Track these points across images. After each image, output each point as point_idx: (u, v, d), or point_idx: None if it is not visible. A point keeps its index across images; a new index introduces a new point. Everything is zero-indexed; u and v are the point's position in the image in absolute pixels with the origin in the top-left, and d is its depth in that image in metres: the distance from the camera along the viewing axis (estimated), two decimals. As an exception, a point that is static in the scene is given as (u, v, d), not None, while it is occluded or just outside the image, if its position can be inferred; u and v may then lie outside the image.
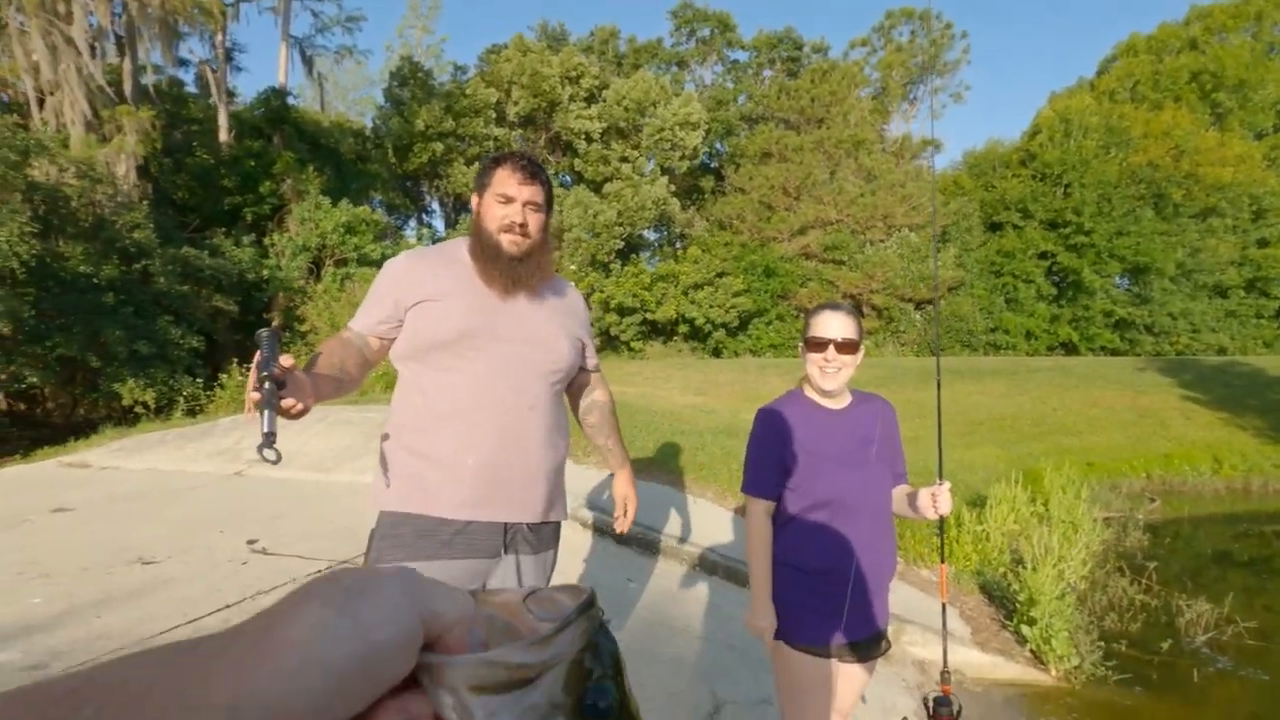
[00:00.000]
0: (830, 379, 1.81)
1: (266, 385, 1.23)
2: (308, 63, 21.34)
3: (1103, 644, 3.83)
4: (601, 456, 2.04)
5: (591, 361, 1.93)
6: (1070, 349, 24.73)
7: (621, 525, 1.98)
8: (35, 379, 10.57)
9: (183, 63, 17.54)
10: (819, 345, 1.81)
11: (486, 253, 1.65)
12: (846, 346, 1.80)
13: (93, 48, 13.25)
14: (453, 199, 25.25)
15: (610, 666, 0.35)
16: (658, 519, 4.70)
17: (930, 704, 1.88)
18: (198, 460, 6.32)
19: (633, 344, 22.30)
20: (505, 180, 1.65)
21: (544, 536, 1.71)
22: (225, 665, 0.26)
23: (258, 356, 1.26)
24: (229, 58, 18.06)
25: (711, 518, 4.95)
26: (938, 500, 1.74)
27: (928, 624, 3.56)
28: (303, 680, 0.27)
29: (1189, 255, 24.28)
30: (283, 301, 15.09)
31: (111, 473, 6.12)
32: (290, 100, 19.49)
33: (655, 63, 30.37)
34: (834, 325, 1.80)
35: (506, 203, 1.65)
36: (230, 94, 17.99)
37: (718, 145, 28.94)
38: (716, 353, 22.88)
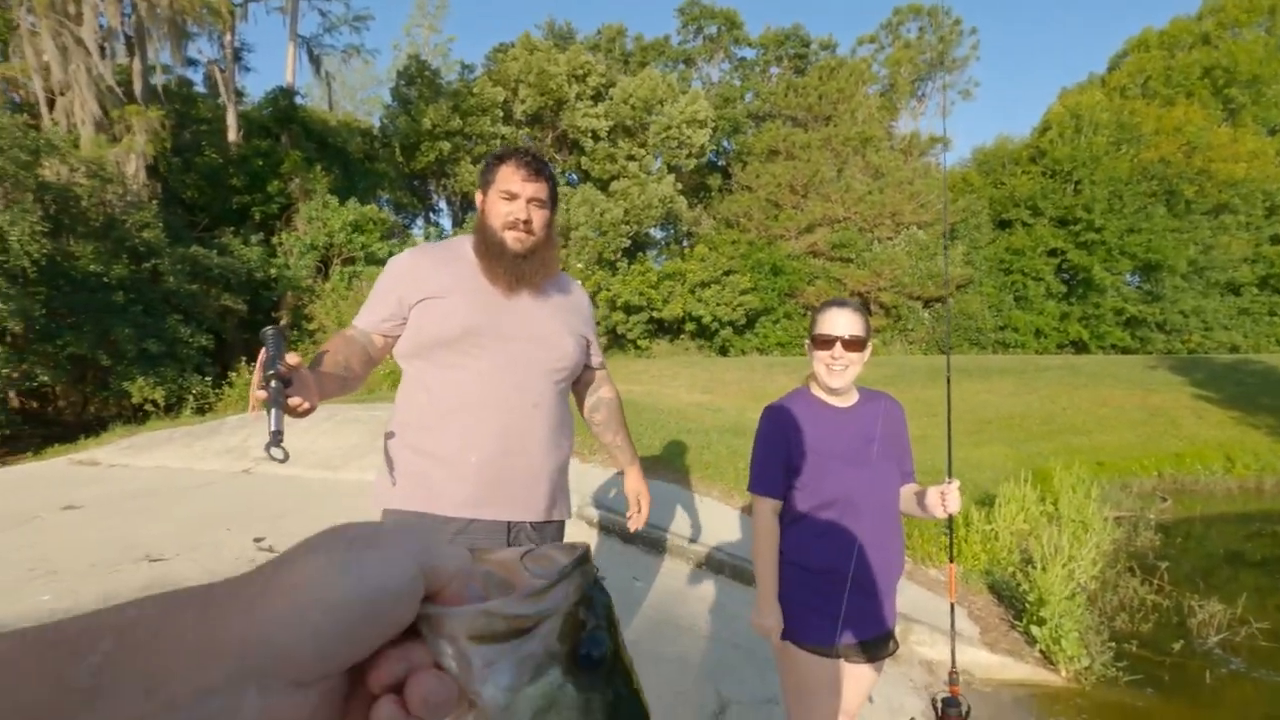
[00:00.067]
0: (837, 376, 1.79)
1: (273, 384, 1.23)
2: (315, 62, 21.42)
3: (1113, 644, 3.79)
4: (609, 454, 2.03)
5: (596, 359, 1.92)
6: (1080, 347, 24.54)
7: (636, 522, 1.96)
8: (46, 377, 10.66)
9: (191, 63, 17.67)
10: (826, 342, 1.78)
11: (491, 249, 1.64)
12: (854, 344, 1.77)
13: (102, 48, 13.34)
14: (460, 198, 25.29)
15: (604, 618, 0.36)
16: (664, 518, 4.69)
17: (939, 705, 1.86)
18: (206, 458, 6.35)
19: (639, 342, 22.29)
20: (509, 177, 1.64)
21: (547, 536, 1.70)
22: (235, 607, 0.27)
23: (263, 355, 1.25)
24: (237, 57, 18.16)
25: (718, 516, 4.94)
26: (946, 499, 1.72)
27: (936, 624, 3.53)
28: (309, 624, 0.28)
29: (1201, 252, 24.04)
30: (291, 300, 15.17)
31: (120, 470, 6.16)
32: (298, 100, 19.59)
33: (662, 60, 30.32)
34: (841, 322, 1.78)
35: (510, 199, 1.64)
36: (238, 94, 18.08)
37: (725, 143, 28.88)
38: (723, 351, 22.84)
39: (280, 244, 15.50)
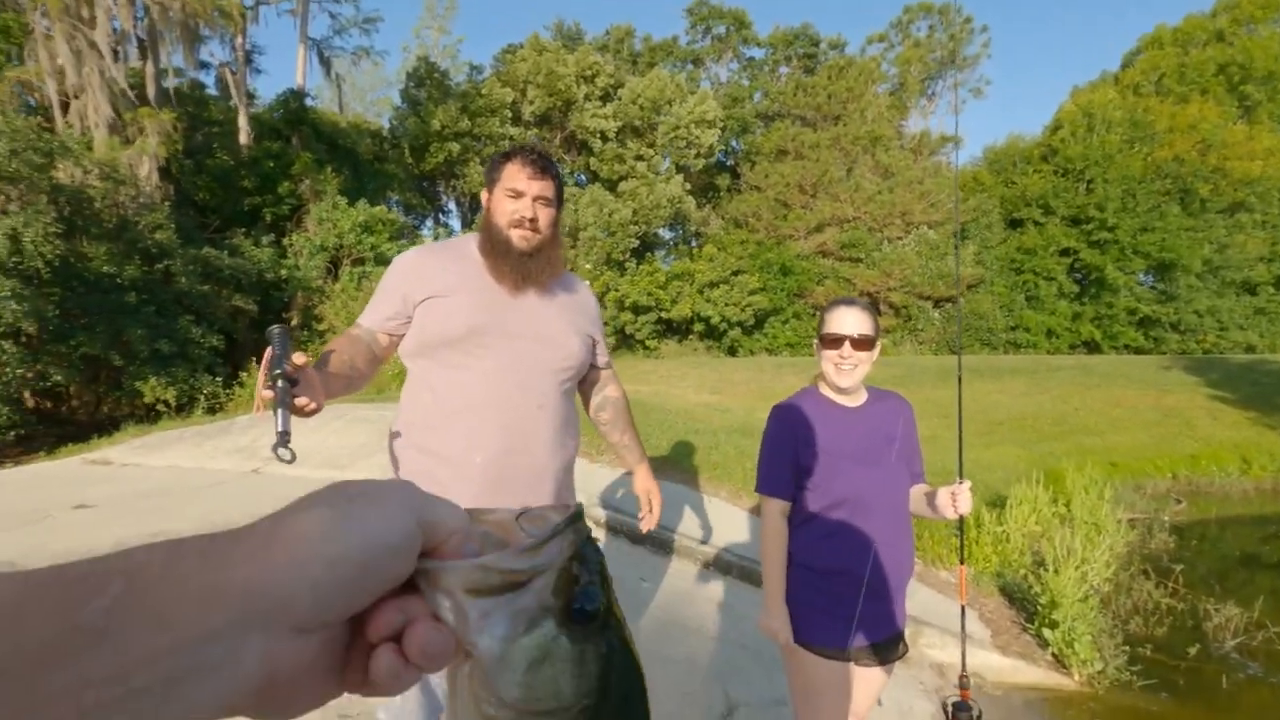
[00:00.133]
0: (846, 376, 1.77)
1: (279, 383, 1.22)
2: (325, 64, 21.54)
3: (1127, 648, 3.74)
4: (617, 454, 2.01)
5: (603, 359, 1.91)
6: (1093, 347, 24.31)
7: (648, 523, 1.94)
8: (60, 377, 10.76)
9: (203, 65, 17.77)
10: (834, 341, 1.77)
11: (496, 248, 1.63)
12: (862, 343, 1.75)
13: (115, 51, 13.45)
14: (469, 199, 25.36)
15: (597, 574, 0.37)
16: (672, 518, 4.67)
17: (949, 708, 1.84)
18: (216, 457, 6.39)
19: (648, 342, 22.27)
20: (515, 175, 1.63)
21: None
22: (238, 556, 0.28)
23: (269, 354, 1.25)
24: (248, 60, 18.27)
25: (725, 517, 4.92)
26: (957, 500, 1.70)
27: (946, 626, 3.50)
28: (308, 576, 0.29)
29: (1216, 251, 23.76)
30: (301, 301, 15.25)
31: (133, 470, 6.21)
32: (308, 101, 19.70)
33: (670, 61, 30.29)
34: (849, 321, 1.76)
35: (516, 197, 1.63)
36: (250, 96, 18.19)
37: (733, 143, 28.80)
38: (732, 351, 22.78)
39: (291, 245, 15.59)
